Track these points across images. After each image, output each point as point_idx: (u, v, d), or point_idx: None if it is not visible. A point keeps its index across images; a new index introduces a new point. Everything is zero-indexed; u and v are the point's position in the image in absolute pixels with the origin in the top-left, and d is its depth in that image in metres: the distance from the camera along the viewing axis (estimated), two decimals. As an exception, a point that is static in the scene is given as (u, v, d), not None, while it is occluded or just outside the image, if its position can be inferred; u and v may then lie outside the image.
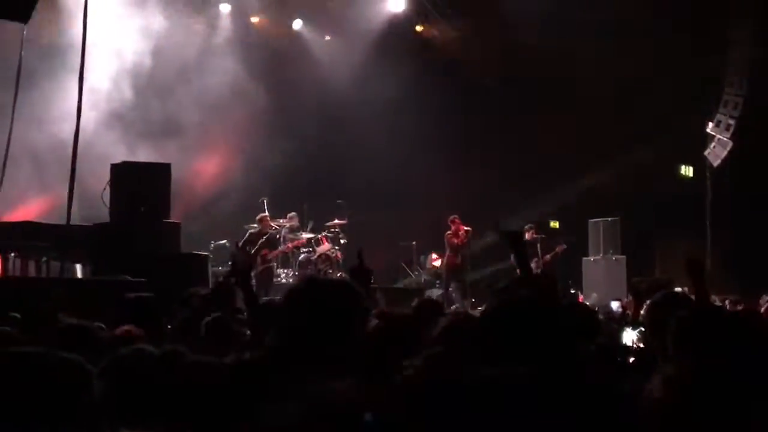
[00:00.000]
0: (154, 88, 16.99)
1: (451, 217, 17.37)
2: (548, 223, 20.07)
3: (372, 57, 19.40)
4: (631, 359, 3.27)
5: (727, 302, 12.40)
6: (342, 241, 17.75)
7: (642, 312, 4.01)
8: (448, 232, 17.35)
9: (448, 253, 17.38)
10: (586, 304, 8.46)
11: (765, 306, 9.01)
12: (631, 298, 7.17)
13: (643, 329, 3.27)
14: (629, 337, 3.23)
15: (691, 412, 2.19)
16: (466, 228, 17.23)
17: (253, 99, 18.02)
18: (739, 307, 6.83)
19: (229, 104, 17.97)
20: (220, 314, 4.64)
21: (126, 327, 4.30)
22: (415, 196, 19.44)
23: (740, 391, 2.18)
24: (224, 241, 17.42)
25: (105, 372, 2.65)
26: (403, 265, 19.68)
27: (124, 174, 11.74)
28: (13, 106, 10.74)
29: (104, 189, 11.72)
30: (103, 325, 4.90)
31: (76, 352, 2.90)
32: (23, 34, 11.91)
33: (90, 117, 14.42)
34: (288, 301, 2.93)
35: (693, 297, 4.00)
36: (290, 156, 18.34)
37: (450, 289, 17.21)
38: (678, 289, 13.18)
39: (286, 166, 18.55)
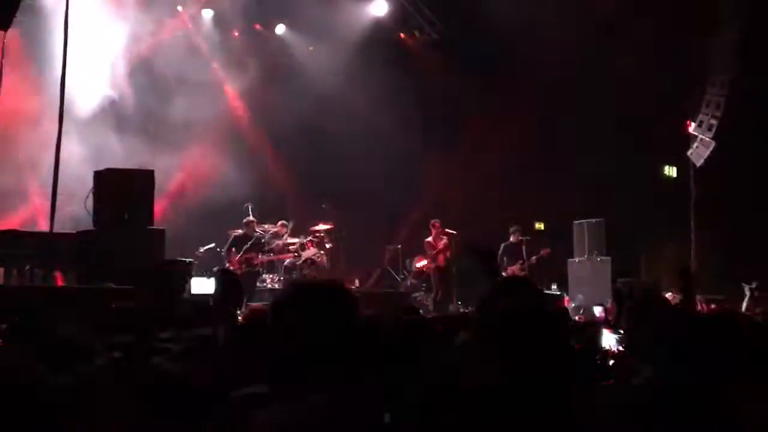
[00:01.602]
0: (138, 94, 16.94)
1: (432, 221, 17.42)
2: (533, 225, 20.15)
3: (355, 62, 19.41)
4: (611, 362, 3.28)
5: (701, 300, 12.51)
6: (327, 246, 17.72)
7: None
8: (428, 239, 17.44)
9: (428, 257, 17.50)
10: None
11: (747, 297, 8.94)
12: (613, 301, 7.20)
13: (622, 332, 3.29)
14: (609, 340, 3.24)
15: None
16: (449, 232, 17.24)
17: (239, 103, 18.00)
18: (713, 306, 6.88)
19: (213, 109, 17.92)
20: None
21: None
22: (399, 199, 19.45)
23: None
24: (212, 245, 17.39)
25: None
26: (388, 268, 19.68)
27: (107, 181, 11.70)
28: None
29: (87, 196, 11.70)
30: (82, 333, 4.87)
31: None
32: (3, 41, 11.92)
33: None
34: (276, 312, 2.75)
35: (677, 301, 4.01)
36: (274, 160, 18.33)
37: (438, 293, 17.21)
38: (668, 294, 13.27)
39: (270, 171, 18.55)
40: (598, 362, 3.25)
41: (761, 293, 15.59)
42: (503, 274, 17.45)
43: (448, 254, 17.28)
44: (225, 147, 18.50)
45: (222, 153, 18.45)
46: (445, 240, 17.25)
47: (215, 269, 12.52)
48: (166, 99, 17.25)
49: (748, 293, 15.11)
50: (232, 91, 18.68)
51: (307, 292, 2.79)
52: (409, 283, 18.77)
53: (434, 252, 17.31)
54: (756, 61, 18.13)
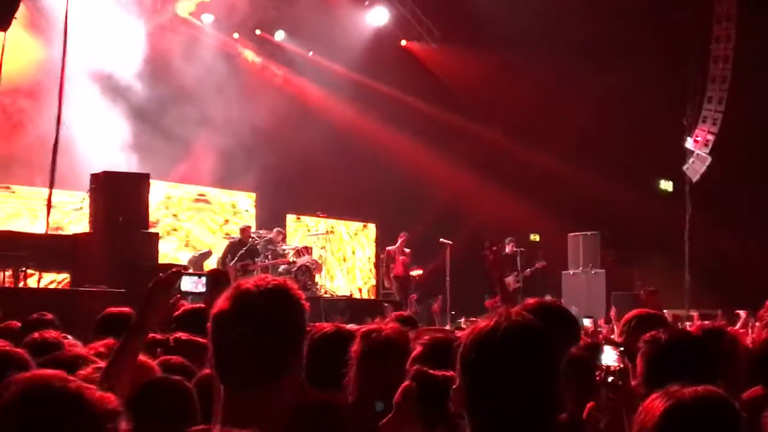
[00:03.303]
0: (137, 100, 16.85)
1: (401, 233, 17.44)
2: (528, 236, 20.17)
3: (356, 70, 19.44)
4: (610, 379, 3.27)
5: (695, 316, 12.50)
6: (321, 254, 17.73)
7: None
8: (392, 247, 17.50)
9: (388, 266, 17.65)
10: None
11: (742, 321, 9.00)
12: (613, 313, 7.20)
13: (622, 349, 3.28)
14: (609, 356, 3.22)
15: None
16: (444, 242, 17.23)
17: (238, 110, 17.92)
18: (706, 322, 6.88)
19: (214, 115, 17.85)
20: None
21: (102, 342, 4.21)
22: (395, 207, 19.47)
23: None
24: (207, 250, 17.38)
25: None
26: (383, 277, 19.69)
27: (103, 184, 11.69)
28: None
29: (83, 199, 11.70)
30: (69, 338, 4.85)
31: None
32: (3, 42, 11.91)
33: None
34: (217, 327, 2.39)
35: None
36: (271, 169, 18.29)
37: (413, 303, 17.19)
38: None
39: (266, 178, 18.51)
40: (598, 380, 3.23)
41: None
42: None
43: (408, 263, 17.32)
44: (224, 153, 18.40)
45: (221, 159, 18.38)
46: (407, 251, 17.32)
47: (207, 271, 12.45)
48: (164, 105, 17.17)
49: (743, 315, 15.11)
50: (232, 96, 18.53)
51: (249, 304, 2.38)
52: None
53: (393, 262, 17.41)
54: (752, 77, 18.22)
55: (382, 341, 3.38)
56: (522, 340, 2.16)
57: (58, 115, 12.23)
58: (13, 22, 11.97)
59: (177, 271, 3.27)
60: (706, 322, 7.81)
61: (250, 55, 19.78)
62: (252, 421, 2.16)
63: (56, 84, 12.71)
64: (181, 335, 4.37)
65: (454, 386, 2.20)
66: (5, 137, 15.44)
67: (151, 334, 5.02)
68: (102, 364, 3.31)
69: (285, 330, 2.40)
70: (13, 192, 16.21)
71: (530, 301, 3.40)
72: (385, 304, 16.48)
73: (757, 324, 8.06)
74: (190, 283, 4.20)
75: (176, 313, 5.63)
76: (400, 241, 17.45)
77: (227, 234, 17.89)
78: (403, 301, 16.39)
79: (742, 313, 8.77)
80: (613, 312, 7.11)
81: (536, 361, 2.16)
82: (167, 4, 18.06)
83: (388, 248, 17.86)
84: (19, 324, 5.66)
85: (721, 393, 2.28)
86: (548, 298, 17.97)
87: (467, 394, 2.16)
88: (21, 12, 11.47)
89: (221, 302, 2.42)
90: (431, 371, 2.78)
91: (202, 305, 5.92)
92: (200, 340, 4.24)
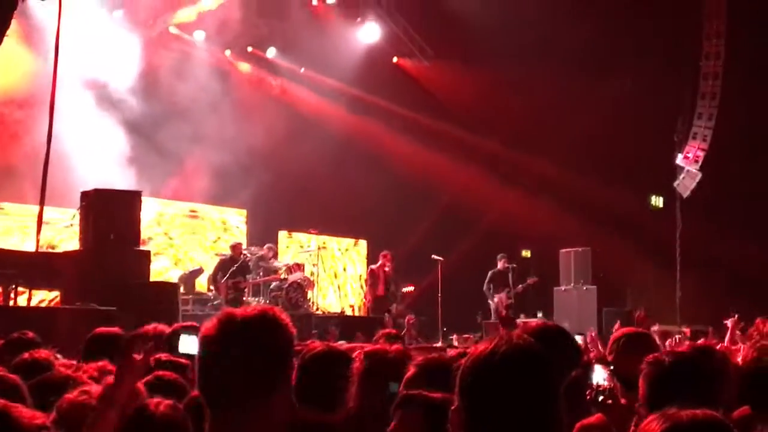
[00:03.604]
0: (131, 114, 16.83)
1: (384, 252, 17.28)
2: (520, 252, 20.19)
3: (349, 86, 19.50)
4: (600, 398, 3.28)
5: (687, 332, 12.48)
6: (313, 270, 17.70)
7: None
8: (373, 266, 17.39)
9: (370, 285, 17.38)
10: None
11: (730, 329, 8.85)
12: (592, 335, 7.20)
13: (612, 368, 3.28)
14: (600, 375, 3.23)
15: None
16: (435, 259, 17.16)
17: (230, 126, 17.90)
18: (700, 341, 6.87)
19: (206, 130, 17.82)
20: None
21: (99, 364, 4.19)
22: (386, 223, 19.48)
23: None
24: (198, 268, 17.34)
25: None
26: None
27: (94, 201, 11.65)
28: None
29: (73, 216, 11.66)
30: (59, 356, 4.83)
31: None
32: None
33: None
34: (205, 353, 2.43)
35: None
36: (264, 185, 18.25)
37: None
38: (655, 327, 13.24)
39: (258, 194, 18.50)
40: (589, 398, 3.24)
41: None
42: (490, 302, 17.59)
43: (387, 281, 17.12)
44: (218, 170, 18.36)
45: (215, 176, 18.34)
46: (388, 269, 17.08)
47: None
48: (157, 122, 17.15)
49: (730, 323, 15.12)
50: (224, 112, 18.51)
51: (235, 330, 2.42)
52: (394, 309, 18.70)
53: (374, 280, 17.15)
54: (742, 92, 18.33)
55: (386, 360, 3.40)
56: (522, 363, 2.17)
57: (49, 131, 12.17)
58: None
59: (147, 353, 3.10)
60: (698, 341, 7.81)
61: (244, 67, 19.80)
62: None
63: (48, 97, 12.65)
64: (162, 356, 4.34)
65: (452, 407, 2.21)
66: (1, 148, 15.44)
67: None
68: (91, 387, 3.30)
69: (271, 350, 2.42)
70: (2, 209, 16.18)
71: (532, 323, 3.40)
72: (386, 314, 16.47)
73: (747, 344, 8.02)
74: (189, 344, 4.03)
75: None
76: (381, 260, 17.22)
77: (217, 252, 17.81)
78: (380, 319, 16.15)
79: (729, 322, 8.69)
80: (591, 334, 7.09)
81: (536, 384, 2.16)
82: (159, 20, 18.08)
83: (372, 267, 17.65)
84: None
85: (719, 416, 2.27)
86: (539, 314, 18.09)
87: (466, 416, 2.16)
88: (13, 26, 11.44)
89: (208, 326, 2.45)
90: (428, 393, 2.79)
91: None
92: (182, 360, 4.24)
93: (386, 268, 17.00)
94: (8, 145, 15.39)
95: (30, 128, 14.71)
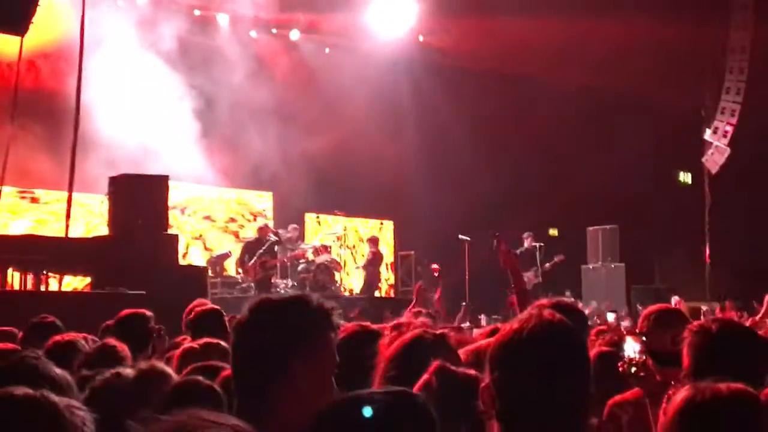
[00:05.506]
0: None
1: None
2: (547, 231, 20.09)
3: (375, 66, 19.40)
4: (633, 370, 3.26)
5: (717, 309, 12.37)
6: (340, 252, 17.73)
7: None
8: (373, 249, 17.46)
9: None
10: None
11: (764, 309, 8.76)
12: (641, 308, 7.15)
13: (644, 339, 3.25)
14: (632, 347, 3.21)
15: None
16: (463, 238, 17.10)
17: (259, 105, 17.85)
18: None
19: (232, 111, 17.80)
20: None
21: (108, 342, 4.21)
22: (415, 204, 19.42)
23: None
24: (226, 251, 17.40)
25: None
26: (401, 275, 19.70)
27: (122, 186, 11.71)
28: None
29: (102, 202, 11.74)
30: (96, 339, 4.88)
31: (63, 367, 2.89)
32: (20, 47, 11.96)
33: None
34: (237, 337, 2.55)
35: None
36: (291, 163, 18.20)
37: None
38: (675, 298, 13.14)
39: (286, 175, 18.46)
40: (621, 371, 3.22)
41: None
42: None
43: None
44: (245, 151, 18.40)
45: (242, 156, 18.37)
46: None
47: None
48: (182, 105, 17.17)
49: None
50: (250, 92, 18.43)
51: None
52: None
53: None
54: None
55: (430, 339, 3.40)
56: (552, 338, 2.16)
57: (76, 117, 12.26)
58: None
59: None
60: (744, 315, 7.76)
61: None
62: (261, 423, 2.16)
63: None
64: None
65: (482, 385, 2.20)
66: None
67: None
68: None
69: (290, 334, 2.47)
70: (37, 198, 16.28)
71: (544, 301, 3.37)
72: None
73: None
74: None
75: (191, 317, 5.72)
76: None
77: (238, 235, 17.86)
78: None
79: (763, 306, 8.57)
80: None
81: (566, 359, 2.16)
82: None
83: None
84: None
85: (751, 392, 2.24)
86: (567, 293, 17.98)
87: (498, 393, 2.15)
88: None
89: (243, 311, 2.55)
90: (452, 367, 2.78)
91: (215, 308, 5.96)
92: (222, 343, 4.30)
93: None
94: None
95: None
